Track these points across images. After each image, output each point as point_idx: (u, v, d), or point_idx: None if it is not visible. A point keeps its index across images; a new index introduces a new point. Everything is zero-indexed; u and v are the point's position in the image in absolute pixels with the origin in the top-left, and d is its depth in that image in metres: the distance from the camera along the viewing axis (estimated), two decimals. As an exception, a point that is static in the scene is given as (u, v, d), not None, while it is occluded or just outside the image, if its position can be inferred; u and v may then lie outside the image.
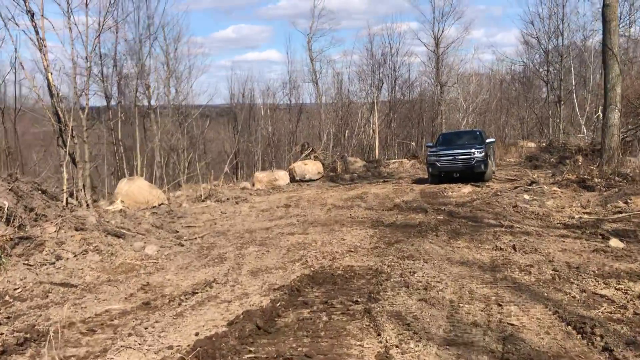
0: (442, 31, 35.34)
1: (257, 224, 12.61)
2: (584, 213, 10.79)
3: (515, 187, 14.18)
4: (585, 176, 12.79)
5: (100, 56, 18.58)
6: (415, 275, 6.81)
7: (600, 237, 8.98)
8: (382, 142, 31.32)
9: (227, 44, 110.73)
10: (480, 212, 12.05)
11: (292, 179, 25.57)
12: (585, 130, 22.77)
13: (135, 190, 15.66)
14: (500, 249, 8.22)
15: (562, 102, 28.28)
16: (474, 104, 31.67)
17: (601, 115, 24.03)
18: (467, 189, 16.35)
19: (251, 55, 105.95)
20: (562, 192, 12.62)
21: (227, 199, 19.11)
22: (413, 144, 31.06)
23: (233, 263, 8.38)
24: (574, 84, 28.19)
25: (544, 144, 26.65)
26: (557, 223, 10.51)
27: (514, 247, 8.13)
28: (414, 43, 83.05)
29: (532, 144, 32.39)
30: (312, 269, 7.57)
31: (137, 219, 11.78)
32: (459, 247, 8.59)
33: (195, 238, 10.91)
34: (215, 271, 7.95)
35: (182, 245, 10.17)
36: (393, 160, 29.30)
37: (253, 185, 24.85)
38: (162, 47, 33.33)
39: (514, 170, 22.26)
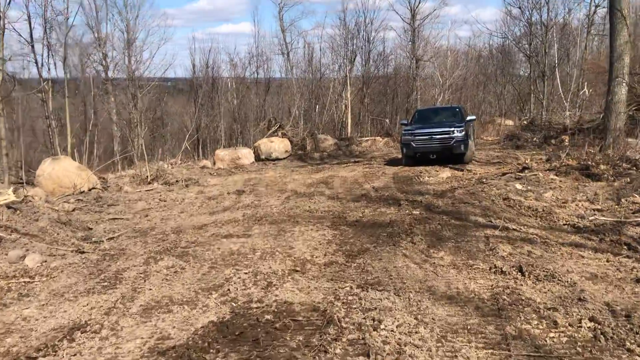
0: (419, 2, 32.51)
1: (194, 219, 9.96)
2: (594, 210, 8.35)
3: (504, 174, 11.71)
4: (589, 162, 10.34)
5: (46, 20, 15.51)
6: (382, 327, 4.26)
7: (627, 248, 6.55)
8: (355, 118, 28.69)
9: (201, 16, 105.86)
10: (464, 205, 9.56)
11: (257, 158, 22.87)
12: (568, 108, 20.40)
13: (60, 172, 12.84)
14: (502, 271, 5.71)
15: (545, 77, 25.87)
16: (451, 80, 29.09)
17: (587, 92, 21.69)
18: (445, 173, 13.86)
19: (225, 28, 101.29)
20: (561, 181, 10.19)
21: (177, 181, 16.42)
22: (387, 120, 28.47)
23: (129, 288, 5.75)
24: (556, 58, 25.76)
25: (525, 122, 24.28)
26: (564, 224, 8.06)
27: (520, 270, 5.64)
28: (390, 17, 79.95)
29: (510, 122, 30.03)
30: (233, 306, 4.99)
31: (36, 213, 9.03)
32: (443, 266, 6.07)
33: (103, 241, 8.21)
34: (97, 303, 5.33)
35: (82, 253, 7.50)
36: (366, 138, 26.72)
37: (214, 164, 22.11)
38: (121, 13, 30.02)
39: (495, 151, 19.85)
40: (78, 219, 9.87)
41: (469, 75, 32.79)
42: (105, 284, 5.96)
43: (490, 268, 5.84)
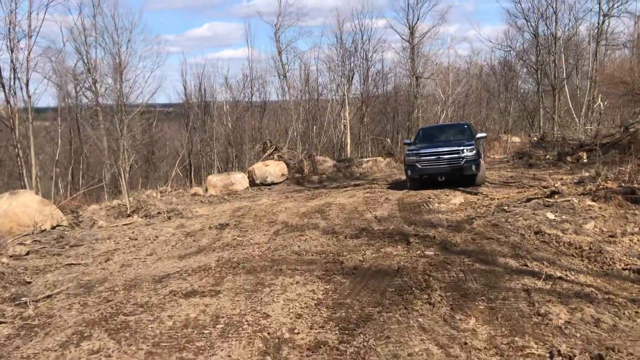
0: (417, 19, 30.86)
1: (159, 265, 8.02)
2: (657, 248, 6.38)
3: (528, 200, 9.75)
4: (634, 184, 8.40)
5: (10, 41, 13.76)
6: None
7: None
8: (354, 138, 26.85)
9: (201, 42, 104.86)
10: (488, 242, 7.61)
11: (252, 183, 20.98)
12: (583, 122, 18.52)
13: (18, 208, 10.95)
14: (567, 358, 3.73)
15: (556, 91, 23.99)
16: (453, 96, 27.27)
17: (601, 105, 19.81)
18: (458, 198, 11.92)
19: (225, 54, 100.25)
20: (601, 209, 8.23)
21: (159, 212, 14.53)
22: (388, 140, 26.61)
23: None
24: (564, 70, 23.93)
25: (535, 139, 22.36)
26: (623, 268, 6.10)
27: (600, 360, 3.66)
28: (388, 35, 78.60)
29: (517, 139, 28.16)
30: None
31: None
32: (479, 349, 4.10)
33: (29, 304, 6.26)
34: None
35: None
36: (366, 159, 24.83)
37: (206, 190, 20.22)
38: (112, 37, 28.40)
39: (506, 170, 17.93)
40: (16, 270, 7.93)
41: (472, 92, 30.98)
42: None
43: (551, 355, 3.87)
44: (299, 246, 8.27)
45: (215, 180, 20.42)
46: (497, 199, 11.25)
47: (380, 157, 25.00)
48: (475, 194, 12.61)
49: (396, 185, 15.84)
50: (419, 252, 7.33)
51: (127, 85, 27.68)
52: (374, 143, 28.06)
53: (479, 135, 15.19)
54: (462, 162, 13.78)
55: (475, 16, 76.74)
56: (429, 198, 12.48)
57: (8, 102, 13.79)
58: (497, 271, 6.21)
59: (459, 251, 7.29)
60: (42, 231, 11.12)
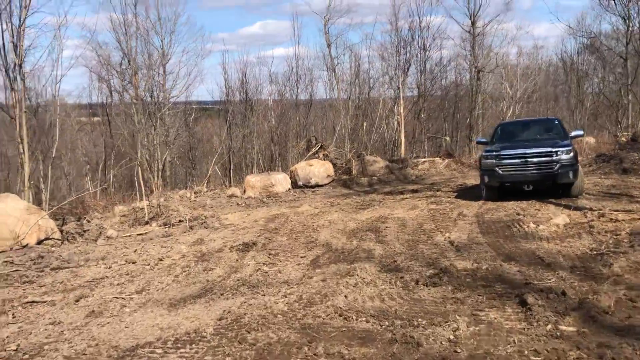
0: (479, 8, 27.13)
1: (137, 319, 5.20)
2: None
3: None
4: None
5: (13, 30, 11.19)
6: None
7: None
8: (409, 136, 23.49)
9: (252, 40, 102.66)
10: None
11: (295, 184, 18.07)
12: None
13: (-3, 218, 8.38)
14: None
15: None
16: (522, 90, 23.56)
17: None
18: (559, 217, 8.59)
19: (277, 52, 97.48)
20: None
21: (180, 220, 11.83)
22: (447, 138, 23.19)
23: None
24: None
25: (623, 139, 18.50)
26: None
27: None
28: (445, 26, 73.68)
29: (591, 139, 24.16)
30: None
31: None
32: None
33: None
34: None
35: None
36: (422, 160, 21.50)
37: (244, 192, 17.47)
38: (154, 28, 26.09)
39: (597, 177, 14.28)
40: None
41: (540, 88, 27.05)
42: None
43: None
44: (345, 296, 5.24)
45: (254, 180, 17.62)
46: (622, 219, 7.86)
47: (438, 158, 21.60)
48: (579, 209, 9.23)
49: (465, 194, 12.56)
50: (549, 327, 4.18)
51: (169, 79, 25.42)
52: (431, 142, 24.66)
53: (574, 133, 11.74)
54: (557, 168, 10.40)
55: (533, 13, 71.08)
56: (518, 215, 9.19)
57: (12, 88, 11.30)
58: None
59: (618, 328, 4.10)
60: (23, 247, 8.53)
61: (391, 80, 24.64)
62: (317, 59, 27.99)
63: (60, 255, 8.27)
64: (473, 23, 27.72)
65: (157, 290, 6.34)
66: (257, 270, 6.87)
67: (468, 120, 24.45)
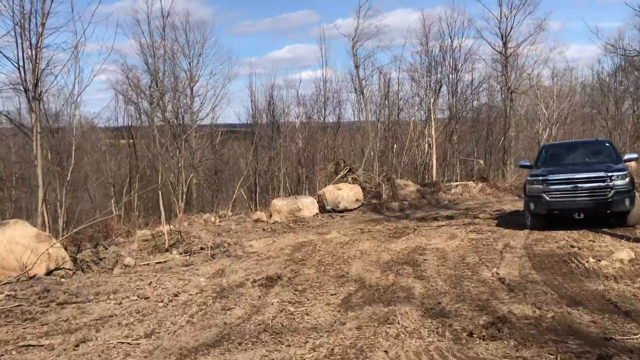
0: (511, 29, 26.22)
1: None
2: None
3: None
4: None
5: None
6: None
7: None
8: (440, 159, 22.47)
9: (281, 63, 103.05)
10: None
11: (322, 209, 17.21)
12: None
13: (2, 247, 7.74)
14: None
15: None
16: (559, 111, 22.40)
17: None
18: (622, 251, 7.52)
19: (304, 75, 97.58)
20: None
21: (202, 248, 11.07)
22: (481, 161, 22.10)
23: None
24: None
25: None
26: None
27: None
28: (477, 45, 72.50)
29: (632, 163, 22.79)
30: None
31: None
32: None
33: None
34: None
35: None
36: (455, 183, 20.48)
37: (270, 216, 16.67)
38: (182, 50, 25.88)
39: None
40: None
41: (575, 109, 25.80)
42: None
43: None
44: (386, 352, 4.33)
45: (281, 204, 16.81)
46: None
47: (471, 182, 20.54)
48: (642, 242, 8.15)
49: (507, 222, 11.51)
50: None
51: (196, 101, 25.06)
52: (462, 165, 23.57)
53: (627, 156, 10.66)
54: (611, 194, 9.35)
55: (563, 34, 69.65)
56: (572, 247, 8.16)
57: (32, 109, 10.83)
58: None
59: None
60: (31, 278, 7.85)
61: (422, 101, 23.79)
62: (344, 82, 27.30)
63: (69, 289, 7.54)
64: (505, 44, 26.82)
65: (169, 334, 5.53)
66: (282, 311, 6.01)
67: (501, 142, 23.33)
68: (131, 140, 23.06)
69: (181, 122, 19.74)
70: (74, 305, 7.03)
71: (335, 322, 5.38)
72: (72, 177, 14.37)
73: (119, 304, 6.97)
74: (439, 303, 5.75)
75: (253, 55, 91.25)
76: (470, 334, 4.58)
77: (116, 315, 6.47)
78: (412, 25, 75.36)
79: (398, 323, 4.95)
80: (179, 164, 17.77)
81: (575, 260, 7.27)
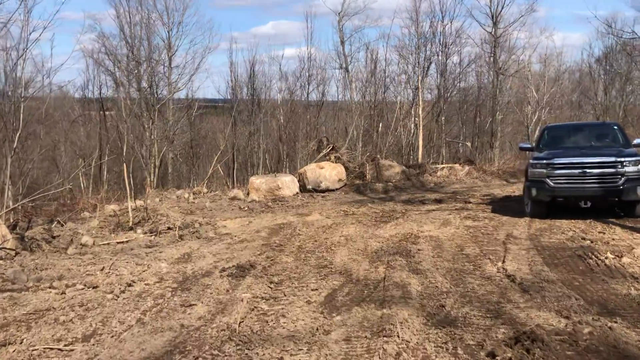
0: (501, 8, 25.11)
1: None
2: None
3: None
4: None
5: None
6: None
7: None
8: (426, 140, 21.46)
9: (265, 40, 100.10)
10: None
11: (303, 188, 16.05)
12: None
13: None
14: None
15: None
16: (550, 94, 21.51)
17: None
18: (641, 245, 6.58)
19: (288, 52, 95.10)
20: None
21: (169, 228, 9.92)
22: (468, 144, 21.17)
23: None
24: None
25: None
26: None
27: None
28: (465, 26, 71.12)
29: None
30: None
31: None
32: None
33: None
34: None
35: None
36: (441, 166, 19.52)
37: (248, 194, 15.48)
38: (160, 18, 24.25)
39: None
40: None
41: (565, 93, 24.97)
42: None
43: None
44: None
45: (259, 182, 15.61)
46: None
47: (457, 165, 19.60)
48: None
49: (502, 207, 10.56)
50: None
51: (174, 72, 23.54)
52: (448, 147, 22.61)
53: (636, 140, 9.70)
54: (622, 182, 8.41)
55: (549, 22, 68.82)
56: (584, 240, 7.20)
57: None
58: None
59: None
60: (-39, 259, 6.63)
61: (409, 79, 22.65)
62: (329, 59, 25.94)
63: (4, 274, 6.34)
64: (495, 24, 25.75)
65: (111, 338, 4.41)
66: (253, 310, 4.94)
67: (489, 124, 22.41)
68: (102, 112, 21.55)
69: (155, 91, 18.35)
70: (6, 294, 5.85)
71: (317, 329, 4.31)
72: (37, 146, 13.07)
73: (62, 293, 5.81)
74: (443, 306, 4.72)
75: (236, 30, 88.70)
76: (492, 356, 3.54)
77: (54, 308, 5.33)
78: (401, 3, 73.26)
79: (397, 336, 3.90)
80: (151, 136, 16.44)
81: (593, 256, 6.30)
